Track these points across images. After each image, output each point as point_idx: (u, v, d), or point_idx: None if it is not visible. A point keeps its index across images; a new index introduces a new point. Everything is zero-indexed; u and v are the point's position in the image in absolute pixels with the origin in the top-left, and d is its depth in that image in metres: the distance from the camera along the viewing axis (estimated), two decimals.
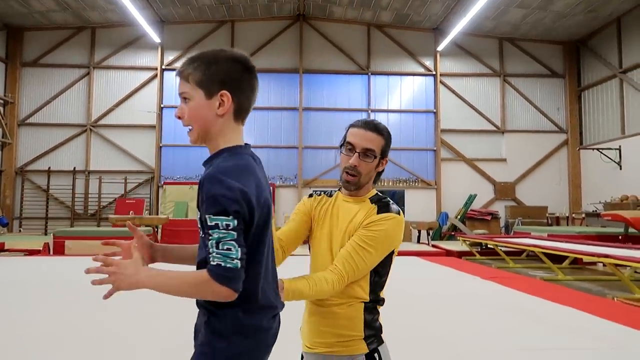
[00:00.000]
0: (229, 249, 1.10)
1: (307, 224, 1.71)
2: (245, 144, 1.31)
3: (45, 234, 15.33)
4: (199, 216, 1.17)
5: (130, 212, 13.69)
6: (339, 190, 1.74)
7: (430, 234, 14.23)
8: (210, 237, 1.11)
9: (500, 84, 17.34)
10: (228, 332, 1.18)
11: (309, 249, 1.73)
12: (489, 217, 15.86)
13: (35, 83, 16.69)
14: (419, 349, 3.70)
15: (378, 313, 1.62)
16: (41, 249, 11.23)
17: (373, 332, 1.56)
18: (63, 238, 11.06)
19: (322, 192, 1.79)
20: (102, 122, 16.65)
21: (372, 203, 1.63)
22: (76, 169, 16.44)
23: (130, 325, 4.26)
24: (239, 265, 1.11)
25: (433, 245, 13.22)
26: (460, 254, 11.49)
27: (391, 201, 1.64)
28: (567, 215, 16.30)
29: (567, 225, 15.60)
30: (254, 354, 1.21)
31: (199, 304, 1.25)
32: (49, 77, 16.72)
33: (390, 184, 16.75)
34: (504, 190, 16.88)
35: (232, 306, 1.17)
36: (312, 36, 17.15)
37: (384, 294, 1.65)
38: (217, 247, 1.10)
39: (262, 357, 1.24)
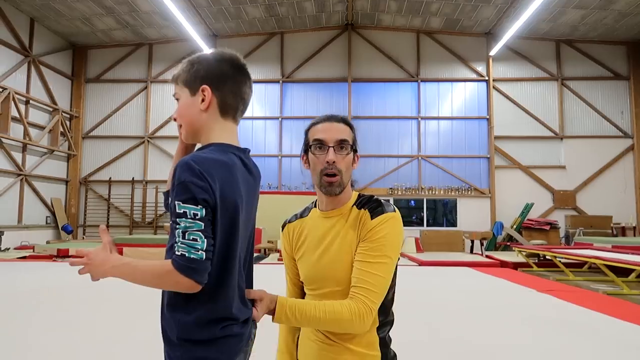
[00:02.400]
0: (195, 240, 1.08)
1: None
2: (245, 148, 1.31)
3: None
4: (169, 202, 1.15)
5: None
6: (314, 206, 1.54)
7: (484, 244, 13.79)
8: (177, 226, 1.09)
9: (558, 88, 16.63)
10: (180, 340, 1.13)
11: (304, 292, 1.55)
12: (547, 227, 15.16)
13: (97, 98, 17.64)
14: None
15: (391, 341, 1.45)
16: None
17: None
18: (122, 245, 11.55)
19: (295, 216, 1.59)
20: (158, 133, 17.33)
21: (359, 208, 1.42)
22: (134, 179, 17.18)
23: None
24: (204, 256, 1.08)
25: (487, 256, 12.78)
26: (515, 265, 11.04)
27: (381, 199, 1.42)
28: (633, 225, 15.30)
29: (634, 235, 14.65)
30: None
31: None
32: (110, 92, 17.64)
33: (442, 192, 16.38)
34: (563, 199, 16.10)
35: (184, 312, 1.13)
36: (361, 45, 17.16)
37: (393, 311, 1.47)
38: (183, 237, 1.08)
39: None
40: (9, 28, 14.25)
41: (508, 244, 14.53)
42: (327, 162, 1.39)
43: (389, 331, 1.44)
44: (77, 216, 17.16)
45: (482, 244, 13.74)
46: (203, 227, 1.09)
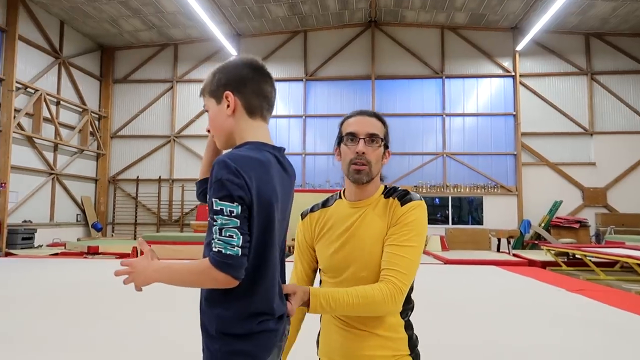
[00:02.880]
0: (231, 236, 1.11)
1: (314, 257, 1.58)
2: (280, 147, 1.34)
3: (134, 239, 16.40)
4: (207, 199, 1.19)
5: None
6: (339, 197, 1.58)
7: (511, 242, 13.55)
8: (214, 223, 1.12)
9: (587, 82, 16.23)
10: (218, 334, 1.17)
11: (320, 280, 1.59)
12: (576, 225, 14.82)
13: (125, 98, 18.00)
14: None
15: (412, 325, 1.51)
16: (130, 252, 12.02)
17: (415, 344, 1.49)
18: (149, 242, 11.68)
19: (316, 206, 1.62)
20: (184, 132, 17.58)
21: (387, 197, 1.49)
22: (161, 177, 17.47)
23: None
24: (240, 252, 1.11)
25: (514, 255, 12.58)
26: (544, 264, 10.84)
27: (407, 190, 1.49)
28: None
29: None
30: (254, 354, 1.18)
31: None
32: (137, 92, 17.97)
33: (468, 190, 16.18)
34: (593, 197, 15.71)
35: (222, 307, 1.17)
36: (384, 42, 17.06)
37: (413, 298, 1.52)
38: (220, 234, 1.11)
39: (263, 358, 1.20)
40: (41, 31, 14.65)
41: (536, 242, 14.26)
42: (357, 152, 1.45)
43: (410, 315, 1.50)
44: (106, 214, 17.55)
45: (509, 243, 13.51)
46: (239, 224, 1.12)
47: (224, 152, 1.30)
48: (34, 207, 14.36)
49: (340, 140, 1.53)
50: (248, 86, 1.30)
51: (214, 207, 1.12)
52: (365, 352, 1.42)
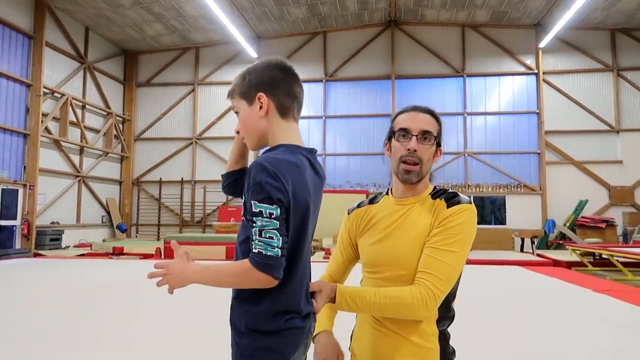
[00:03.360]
0: (271, 237, 1.13)
1: (354, 251, 1.59)
2: (312, 148, 1.36)
3: (158, 239, 16.66)
4: (244, 200, 1.21)
5: (232, 219, 14.43)
6: (386, 193, 1.56)
7: (535, 242, 13.34)
8: (253, 225, 1.15)
9: (613, 79, 15.86)
10: (247, 330, 1.20)
11: (362, 277, 1.57)
12: (603, 225, 14.50)
13: (148, 101, 18.30)
14: None
15: (450, 336, 1.45)
16: (154, 253, 12.22)
17: (450, 354, 1.43)
18: None
19: (362, 203, 1.61)
20: (205, 134, 17.78)
21: (434, 198, 1.43)
22: (184, 179, 17.71)
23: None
24: (280, 253, 1.14)
25: (538, 255, 12.38)
26: (569, 265, 10.64)
27: (457, 192, 1.44)
28: None
29: None
30: (281, 350, 1.20)
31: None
32: (159, 95, 18.26)
33: (490, 189, 15.98)
34: (620, 195, 15.34)
35: (252, 304, 1.20)
36: (404, 41, 16.97)
37: (454, 307, 1.46)
38: (260, 235, 1.14)
39: (290, 355, 1.22)
40: (66, 37, 15.01)
41: (561, 242, 14.00)
42: (409, 149, 1.41)
43: (448, 326, 1.44)
44: (130, 215, 17.87)
45: (532, 243, 13.29)
46: (278, 226, 1.14)
47: (259, 152, 1.32)
48: (61, 209, 14.72)
49: (391, 135, 1.48)
50: (280, 87, 1.31)
51: (253, 209, 1.15)
52: (394, 356, 1.38)
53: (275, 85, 1.31)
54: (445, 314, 1.41)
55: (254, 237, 1.14)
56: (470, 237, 1.37)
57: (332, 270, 1.62)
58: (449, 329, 1.46)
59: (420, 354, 1.37)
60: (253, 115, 1.32)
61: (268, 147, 1.33)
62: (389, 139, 1.50)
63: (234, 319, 1.24)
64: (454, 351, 1.45)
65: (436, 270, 1.30)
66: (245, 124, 1.36)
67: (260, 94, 1.30)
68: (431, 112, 1.47)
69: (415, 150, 1.40)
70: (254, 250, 1.14)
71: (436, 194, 1.45)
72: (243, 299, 1.22)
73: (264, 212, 1.13)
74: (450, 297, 1.41)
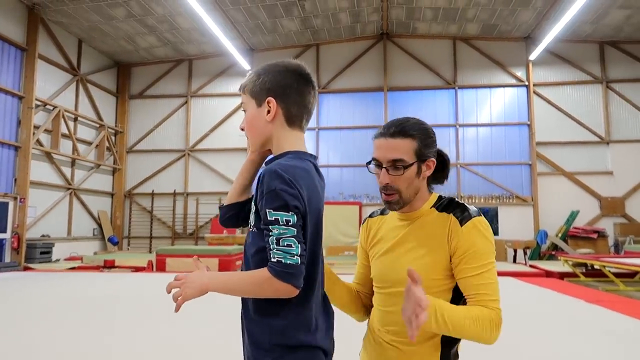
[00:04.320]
0: (289, 245, 1.10)
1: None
2: (314, 155, 1.34)
3: (150, 252, 16.53)
4: (253, 210, 1.19)
5: (224, 231, 14.36)
6: None
7: (528, 253, 13.39)
8: (270, 233, 1.11)
9: (602, 91, 16.08)
10: (272, 345, 1.15)
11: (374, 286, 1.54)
12: (594, 235, 14.59)
13: (140, 113, 18.28)
14: None
15: (457, 357, 1.41)
16: (146, 266, 12.12)
17: None
18: (164, 256, 11.85)
19: (375, 212, 1.59)
20: (198, 146, 17.76)
21: (441, 211, 1.38)
22: (176, 191, 17.64)
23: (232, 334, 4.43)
24: (299, 261, 1.11)
25: (531, 266, 12.41)
26: (561, 275, 10.67)
27: (461, 201, 1.38)
28: None
29: None
30: None
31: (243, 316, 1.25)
32: (152, 107, 18.24)
33: (482, 200, 16.05)
34: (611, 206, 15.46)
35: (277, 317, 1.16)
36: (396, 53, 17.13)
37: None
38: (278, 244, 1.11)
39: None
40: (60, 50, 15.00)
41: (553, 253, 14.05)
42: (380, 183, 1.38)
43: (455, 348, 1.38)
44: (122, 228, 17.74)
45: (525, 253, 13.34)
46: (296, 233, 1.12)
47: (267, 161, 1.30)
48: (51, 222, 14.58)
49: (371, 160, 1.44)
50: (291, 96, 1.28)
51: (269, 218, 1.12)
52: None
53: (287, 94, 1.28)
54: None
55: (271, 246, 1.11)
56: (493, 245, 1.34)
57: (358, 278, 1.61)
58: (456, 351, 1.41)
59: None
60: (260, 118, 1.29)
61: (274, 155, 1.30)
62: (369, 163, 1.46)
63: (255, 334, 1.18)
64: (457, 355, 1.42)
65: (491, 294, 1.28)
66: (250, 125, 1.32)
67: (270, 98, 1.27)
68: (402, 132, 1.36)
69: (387, 183, 1.36)
70: (272, 260, 1.10)
71: (442, 206, 1.40)
72: (268, 312, 1.17)
73: (280, 219, 1.11)
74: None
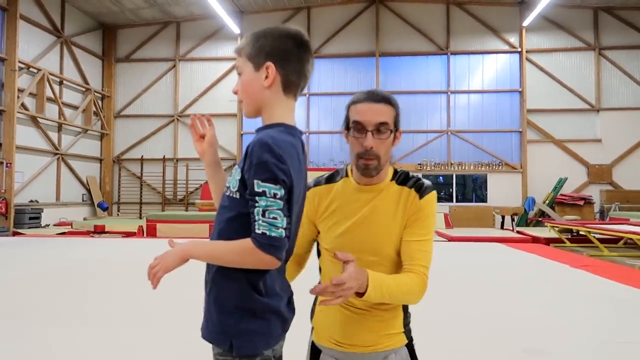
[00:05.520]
0: (275, 218, 1.10)
1: (315, 230, 1.54)
2: (299, 130, 1.31)
3: (140, 218, 16.52)
4: (238, 177, 1.17)
5: None
6: (345, 175, 1.51)
7: (515, 219, 13.59)
8: (256, 205, 1.11)
9: (595, 58, 16.00)
10: (236, 308, 1.17)
11: (319, 258, 1.57)
12: (581, 202, 14.81)
13: (127, 77, 17.91)
14: (499, 341, 3.56)
15: (408, 306, 1.54)
16: (136, 231, 12.13)
17: (409, 322, 1.52)
18: (155, 221, 11.87)
19: (320, 180, 1.56)
20: (187, 112, 17.53)
21: (400, 184, 1.44)
22: (165, 157, 17.50)
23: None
24: (284, 234, 1.11)
25: (518, 232, 12.62)
26: (548, 241, 10.88)
27: (418, 176, 1.46)
28: None
29: None
30: (266, 335, 1.18)
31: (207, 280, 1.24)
32: (139, 71, 17.87)
33: (472, 167, 16.14)
34: (598, 174, 15.65)
35: (241, 282, 1.16)
36: (389, 18, 16.82)
37: None
38: (263, 216, 1.10)
39: (271, 342, 1.20)
40: (42, 9, 14.51)
41: (540, 219, 14.28)
42: (365, 146, 1.37)
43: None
44: (111, 193, 17.66)
45: (512, 220, 13.53)
46: (282, 206, 1.11)
47: (258, 130, 1.26)
48: (40, 187, 14.45)
49: (347, 124, 1.45)
50: (291, 62, 1.24)
51: (256, 189, 1.11)
52: (367, 330, 1.44)
53: (287, 59, 1.24)
54: None
55: (257, 217, 1.10)
56: (435, 222, 1.49)
57: (298, 245, 1.56)
58: None
59: (388, 324, 1.46)
60: (256, 83, 1.25)
61: (265, 124, 1.27)
62: (347, 128, 1.45)
63: (219, 296, 1.19)
64: (409, 317, 1.53)
65: (424, 261, 1.40)
66: (246, 89, 1.28)
67: (269, 63, 1.23)
68: (385, 99, 1.41)
69: (372, 148, 1.37)
70: (257, 231, 1.10)
71: (400, 179, 1.45)
72: (230, 276, 1.17)
73: (267, 192, 1.10)
74: None
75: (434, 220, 1.45)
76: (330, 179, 1.54)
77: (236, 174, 1.19)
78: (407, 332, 1.49)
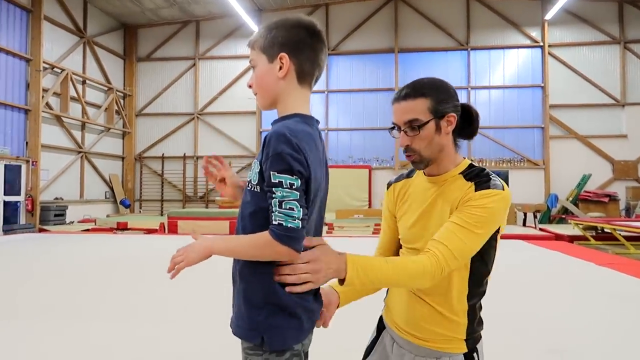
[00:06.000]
0: (292, 209, 1.10)
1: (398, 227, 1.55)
2: (316, 119, 1.31)
3: (161, 215, 16.75)
4: (257, 170, 1.17)
5: None
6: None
7: (538, 216, 13.38)
8: (273, 196, 1.11)
9: (620, 52, 15.62)
10: (265, 303, 1.16)
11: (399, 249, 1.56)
12: (606, 199, 14.49)
13: (148, 76, 18.14)
14: (524, 341, 3.51)
15: (481, 309, 1.43)
16: (158, 228, 12.30)
17: (474, 331, 1.41)
18: (176, 218, 12.01)
19: (401, 176, 1.58)
20: (207, 110, 17.67)
21: (466, 180, 1.36)
22: (186, 154, 17.69)
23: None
24: (300, 225, 1.10)
25: (541, 229, 12.42)
26: (571, 239, 10.68)
27: (492, 173, 1.35)
28: None
29: None
30: (296, 330, 1.18)
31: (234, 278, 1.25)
32: (160, 70, 18.08)
33: (493, 164, 15.94)
34: (624, 170, 15.29)
35: (266, 277, 1.16)
36: (407, 13, 16.69)
37: (487, 285, 1.44)
38: (280, 207, 1.10)
39: (301, 337, 1.20)
40: (65, 11, 14.78)
41: (563, 216, 14.03)
42: (402, 146, 1.40)
43: (478, 302, 1.42)
44: (133, 191, 17.93)
45: (535, 217, 13.32)
46: (298, 197, 1.11)
47: (275, 123, 1.26)
48: (64, 185, 14.75)
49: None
50: (305, 52, 1.25)
51: (272, 180, 1.11)
52: (425, 324, 1.39)
53: (300, 49, 1.24)
54: (476, 289, 1.39)
55: (274, 208, 1.10)
56: (495, 222, 1.30)
57: (382, 246, 1.61)
58: (482, 302, 1.44)
59: (448, 327, 1.38)
60: (271, 75, 1.25)
61: (281, 115, 1.27)
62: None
63: (248, 292, 1.20)
64: (481, 322, 1.44)
65: (450, 244, 1.26)
66: (260, 82, 1.28)
67: (283, 54, 1.24)
68: (413, 94, 1.37)
69: (407, 146, 1.38)
70: (274, 222, 1.10)
71: (469, 175, 1.37)
72: (258, 271, 1.18)
73: (284, 182, 1.10)
74: (484, 273, 1.40)
75: (488, 217, 1.28)
76: (409, 174, 1.56)
77: (255, 167, 1.19)
78: (470, 342, 1.40)
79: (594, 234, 10.82)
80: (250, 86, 1.32)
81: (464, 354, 1.38)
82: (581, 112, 15.72)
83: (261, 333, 1.16)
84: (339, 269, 1.18)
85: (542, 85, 15.91)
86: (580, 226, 10.73)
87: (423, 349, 1.40)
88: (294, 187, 1.10)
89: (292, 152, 1.10)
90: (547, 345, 3.30)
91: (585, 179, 14.84)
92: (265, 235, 1.11)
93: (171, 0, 16.04)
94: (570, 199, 14.75)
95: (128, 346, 3.32)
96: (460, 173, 1.39)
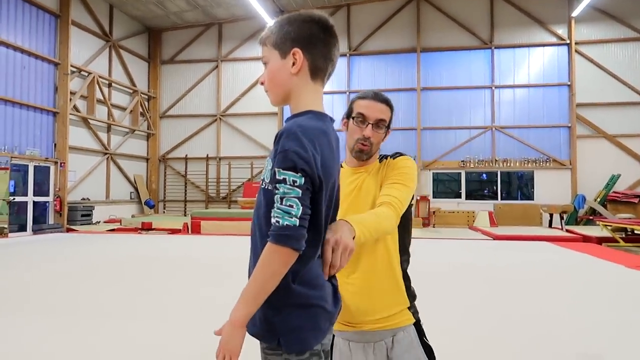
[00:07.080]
0: (291, 206, 1.07)
1: None
2: (330, 116, 1.29)
3: (185, 215, 16.95)
4: (269, 167, 1.15)
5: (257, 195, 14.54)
6: (341, 167, 1.63)
7: (564, 218, 13.10)
8: (276, 192, 1.09)
9: None
10: (281, 304, 1.12)
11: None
12: (635, 200, 14.10)
13: (172, 78, 18.40)
14: (552, 345, 3.43)
15: (409, 278, 1.65)
16: (181, 228, 12.46)
17: (413, 300, 1.62)
18: (199, 219, 12.15)
19: None
20: (229, 111, 17.83)
21: (380, 161, 1.69)
22: (209, 155, 17.87)
23: None
24: (298, 223, 1.06)
25: (567, 230, 12.16)
26: (600, 240, 10.43)
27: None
28: None
29: None
30: (314, 330, 1.14)
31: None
32: (183, 72, 18.32)
33: (518, 164, 15.67)
34: None
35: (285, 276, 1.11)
36: (430, 12, 16.54)
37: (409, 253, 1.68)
38: (281, 203, 1.07)
39: (320, 337, 1.16)
40: (92, 16, 15.11)
41: (591, 218, 13.70)
42: (364, 135, 1.63)
43: (407, 267, 1.66)
44: (157, 192, 18.20)
45: (561, 218, 13.05)
46: (300, 195, 1.08)
47: (289, 118, 1.24)
48: (91, 186, 15.07)
49: (349, 115, 1.70)
50: (318, 47, 1.23)
51: (277, 177, 1.09)
52: (369, 303, 1.55)
53: (313, 44, 1.22)
54: (404, 256, 1.64)
55: (275, 204, 1.08)
56: (415, 177, 1.62)
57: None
58: (408, 271, 1.66)
59: (396, 291, 1.59)
60: (283, 70, 1.23)
61: (294, 113, 1.25)
62: (347, 117, 1.70)
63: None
64: (414, 294, 1.65)
65: (397, 195, 1.53)
66: (273, 78, 1.26)
67: (296, 49, 1.21)
68: (387, 102, 1.68)
69: (369, 137, 1.63)
70: (271, 222, 1.07)
71: (382, 157, 1.70)
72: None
73: (287, 179, 1.07)
74: (408, 241, 1.67)
75: (410, 174, 1.60)
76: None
77: (268, 165, 1.18)
78: (415, 312, 1.62)
79: (623, 235, 10.53)
80: (262, 83, 1.31)
81: (414, 324, 1.61)
82: (609, 110, 15.33)
83: (278, 334, 1.13)
84: (351, 231, 1.27)
85: (569, 83, 15.58)
86: (609, 227, 10.47)
87: (379, 332, 1.56)
88: (296, 184, 1.08)
89: (298, 150, 1.08)
90: (580, 350, 3.22)
91: (614, 179, 14.47)
92: (266, 247, 1.08)
93: (194, 3, 16.24)
94: (599, 199, 14.40)
95: (159, 342, 3.36)
96: (377, 160, 1.72)
